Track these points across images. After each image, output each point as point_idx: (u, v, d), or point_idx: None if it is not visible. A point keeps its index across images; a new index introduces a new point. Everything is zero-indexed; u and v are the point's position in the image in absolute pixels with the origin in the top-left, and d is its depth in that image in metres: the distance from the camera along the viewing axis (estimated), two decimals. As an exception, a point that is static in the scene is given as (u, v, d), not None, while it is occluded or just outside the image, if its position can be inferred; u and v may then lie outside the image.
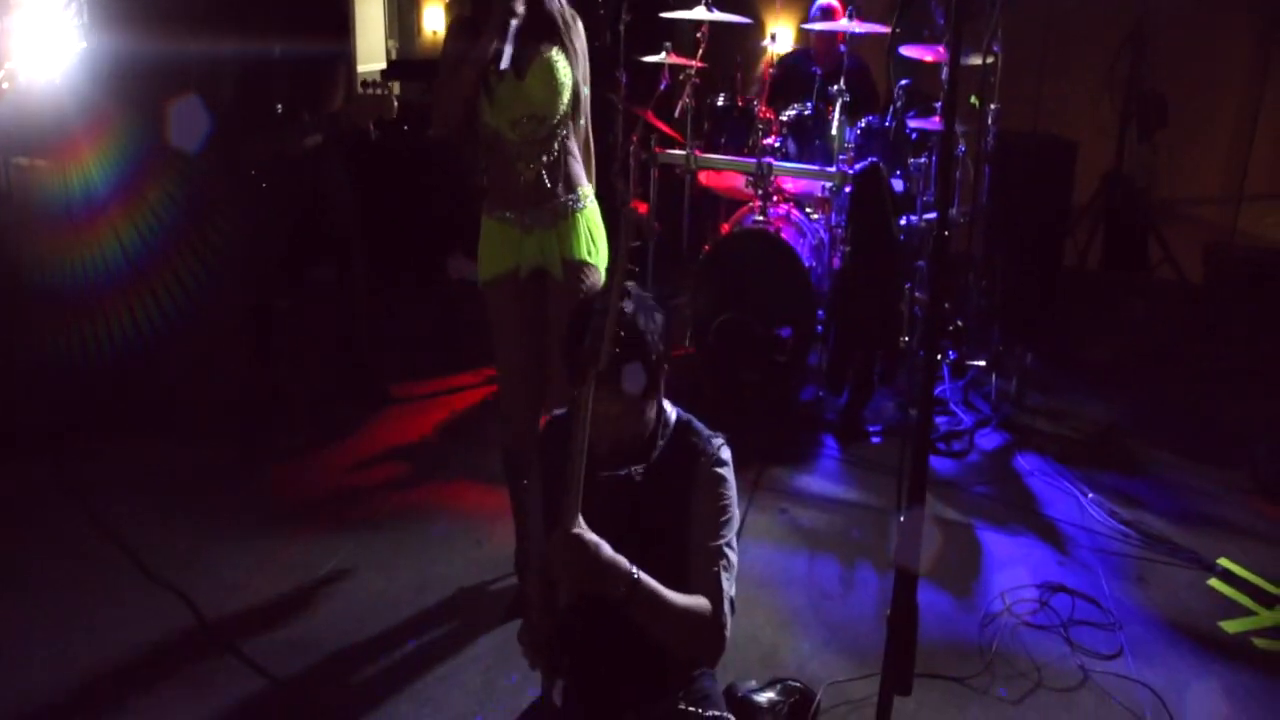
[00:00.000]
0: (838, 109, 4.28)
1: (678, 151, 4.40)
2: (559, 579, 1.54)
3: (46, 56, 4.64)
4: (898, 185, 4.12)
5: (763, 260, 4.06)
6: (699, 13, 4.33)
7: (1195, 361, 4.75)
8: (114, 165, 4.19)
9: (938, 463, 3.67)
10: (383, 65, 7.09)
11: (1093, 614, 2.78)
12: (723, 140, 4.46)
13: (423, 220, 5.51)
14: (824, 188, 4.30)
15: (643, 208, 4.48)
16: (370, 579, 2.85)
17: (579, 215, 2.51)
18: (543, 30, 2.40)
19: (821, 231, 4.43)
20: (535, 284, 2.54)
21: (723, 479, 1.71)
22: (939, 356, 4.14)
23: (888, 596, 1.62)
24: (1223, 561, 3.07)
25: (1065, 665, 2.57)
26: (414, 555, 2.98)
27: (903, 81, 4.21)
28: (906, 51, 4.10)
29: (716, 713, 1.73)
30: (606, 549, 1.51)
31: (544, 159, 2.45)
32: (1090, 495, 3.45)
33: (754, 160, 4.19)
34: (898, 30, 4.03)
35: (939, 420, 3.98)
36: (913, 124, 4.14)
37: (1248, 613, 2.84)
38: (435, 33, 7.60)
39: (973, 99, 4.10)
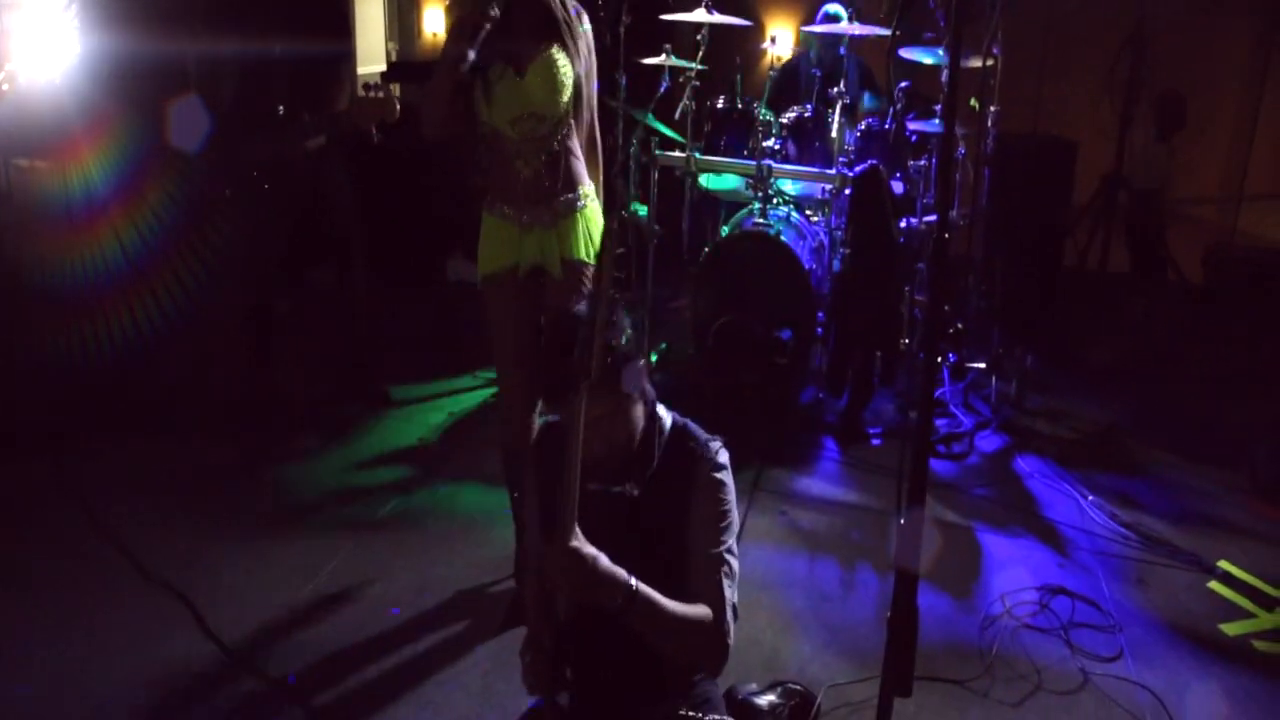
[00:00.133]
0: (837, 111, 4.28)
1: (678, 154, 4.40)
2: (557, 591, 1.52)
3: (46, 57, 4.64)
4: (897, 187, 4.12)
5: (763, 262, 4.06)
6: (699, 15, 4.33)
7: (1195, 363, 4.76)
8: (114, 165, 4.19)
9: (938, 465, 3.67)
10: (382, 67, 7.09)
11: (1093, 616, 2.78)
12: (723, 142, 4.46)
13: (423, 222, 5.51)
14: (824, 190, 4.30)
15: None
16: (370, 581, 2.85)
17: (579, 214, 2.49)
18: (543, 28, 2.38)
19: (821, 234, 4.44)
20: (534, 282, 2.52)
21: (722, 484, 1.69)
22: (939, 359, 4.14)
23: (888, 598, 1.61)
24: (1223, 564, 3.06)
25: (1065, 668, 2.57)
26: (413, 557, 2.98)
27: (902, 84, 4.21)
28: (906, 54, 4.10)
29: (717, 716, 1.72)
30: (604, 561, 1.49)
31: (543, 157, 2.44)
32: (1090, 498, 3.45)
33: (754, 162, 4.19)
34: (898, 33, 4.03)
35: (939, 422, 3.98)
36: (912, 126, 4.15)
37: (1248, 615, 2.84)
38: (435, 34, 7.60)
39: (972, 101, 4.11)
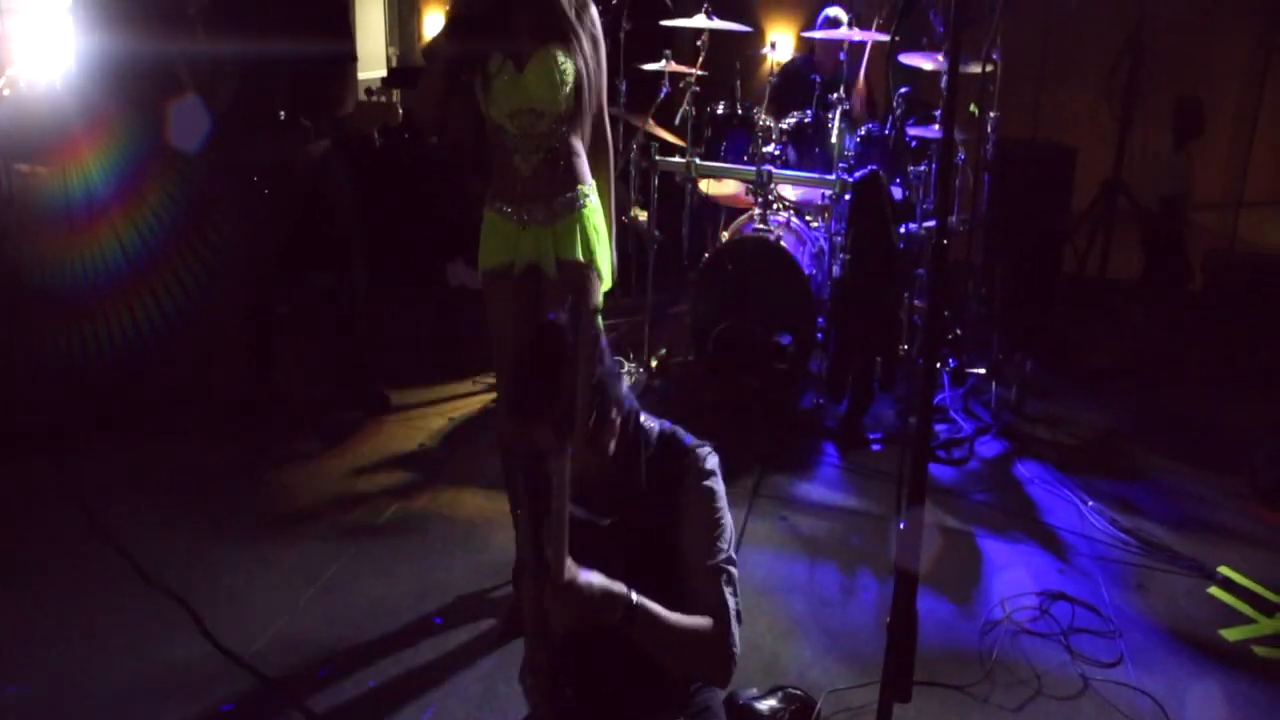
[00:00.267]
0: (837, 117, 4.29)
1: (678, 159, 4.42)
2: (556, 625, 1.48)
3: (46, 61, 4.65)
4: (897, 193, 4.13)
5: (763, 268, 4.06)
6: (699, 21, 4.34)
7: (1195, 368, 4.76)
8: (114, 166, 4.19)
9: (938, 470, 3.67)
10: (383, 73, 7.10)
11: (1093, 622, 2.78)
12: (723, 148, 4.47)
13: (423, 225, 5.52)
14: (824, 195, 4.31)
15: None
16: (370, 585, 2.85)
17: (577, 214, 2.45)
18: (544, 22, 2.35)
19: (821, 239, 4.44)
20: (531, 281, 2.50)
21: (711, 491, 1.66)
22: (939, 364, 4.15)
23: (888, 604, 1.61)
24: (1223, 569, 3.07)
25: (1065, 673, 2.57)
26: (414, 561, 2.97)
27: (902, 89, 4.22)
28: (906, 59, 4.11)
29: (717, 724, 1.72)
30: (598, 581, 1.46)
31: (542, 154, 2.40)
32: (1090, 503, 3.45)
33: (754, 168, 4.20)
34: (897, 38, 4.04)
35: (939, 428, 3.99)
36: (912, 132, 4.15)
37: (1248, 621, 2.84)
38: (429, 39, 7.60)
39: (972, 107, 4.11)
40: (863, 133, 4.28)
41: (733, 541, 1.68)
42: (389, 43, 7.59)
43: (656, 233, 4.46)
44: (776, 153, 4.33)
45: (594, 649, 1.55)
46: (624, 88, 4.56)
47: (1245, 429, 4.01)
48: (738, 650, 1.61)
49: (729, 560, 1.64)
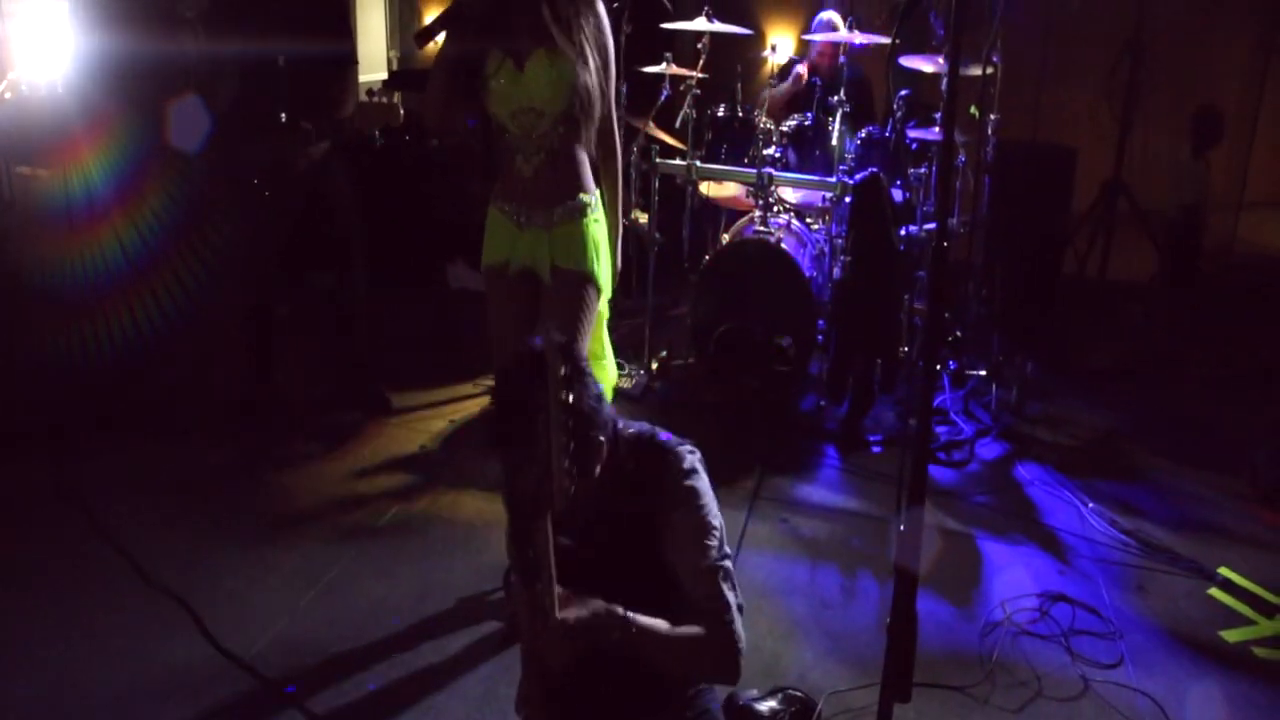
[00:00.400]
0: (838, 119, 4.29)
1: (678, 162, 4.42)
2: (554, 665, 1.46)
3: (47, 63, 4.66)
4: (898, 195, 4.13)
5: (763, 270, 4.07)
6: (700, 24, 4.34)
7: (1195, 368, 4.76)
8: (114, 166, 4.20)
9: (938, 472, 3.66)
10: (384, 75, 7.11)
11: (1093, 623, 2.78)
12: (724, 150, 4.47)
13: (424, 226, 5.52)
14: (824, 198, 4.31)
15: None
16: (370, 586, 2.85)
17: (576, 221, 2.43)
18: (545, 21, 2.32)
19: (822, 241, 4.45)
20: (527, 285, 2.48)
21: (694, 491, 1.63)
22: (939, 366, 4.15)
23: (889, 605, 1.61)
24: (1223, 570, 3.06)
25: (1066, 674, 2.57)
26: (414, 562, 2.97)
27: (902, 92, 4.22)
28: (906, 62, 4.12)
29: (717, 727, 1.72)
30: (591, 606, 1.45)
31: (543, 155, 2.39)
32: (1090, 504, 3.45)
33: (754, 170, 4.20)
34: (897, 41, 4.04)
35: (939, 430, 3.98)
36: (912, 134, 4.16)
37: (1248, 622, 2.84)
38: (437, 42, 7.61)
39: (972, 109, 4.12)
40: (863, 135, 4.28)
41: (724, 537, 1.65)
42: (390, 45, 7.60)
43: (657, 235, 4.46)
44: (777, 155, 4.33)
45: (592, 658, 1.53)
46: (624, 90, 4.56)
47: (1245, 429, 4.01)
48: (743, 645, 1.59)
49: (724, 557, 1.62)
